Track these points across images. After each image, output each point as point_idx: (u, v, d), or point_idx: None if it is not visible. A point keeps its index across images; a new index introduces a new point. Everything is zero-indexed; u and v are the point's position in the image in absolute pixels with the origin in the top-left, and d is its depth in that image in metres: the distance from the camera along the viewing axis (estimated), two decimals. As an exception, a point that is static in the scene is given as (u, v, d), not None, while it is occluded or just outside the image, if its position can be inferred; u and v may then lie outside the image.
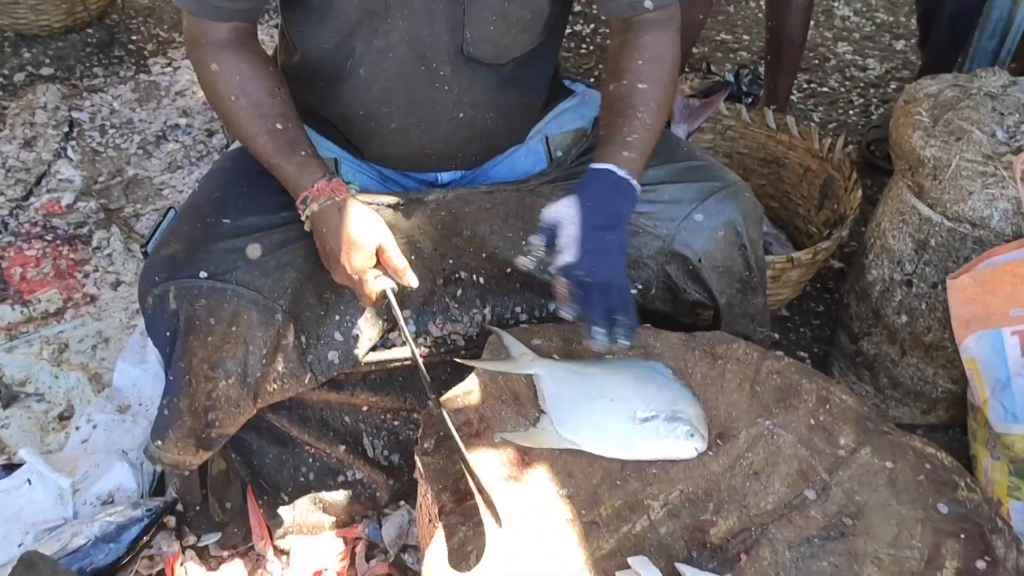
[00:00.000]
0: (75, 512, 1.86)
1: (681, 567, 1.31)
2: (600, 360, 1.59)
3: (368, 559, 1.80)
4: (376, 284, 1.51)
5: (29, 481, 1.90)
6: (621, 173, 1.48)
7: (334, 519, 1.85)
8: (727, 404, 1.54)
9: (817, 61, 2.96)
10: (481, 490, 1.35)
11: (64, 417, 2.07)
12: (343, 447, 1.84)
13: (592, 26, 3.12)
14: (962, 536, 1.37)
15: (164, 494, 1.91)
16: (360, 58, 1.60)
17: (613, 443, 1.46)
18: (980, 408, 1.75)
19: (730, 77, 2.77)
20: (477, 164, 1.79)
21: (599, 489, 1.41)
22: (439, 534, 1.34)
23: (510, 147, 1.79)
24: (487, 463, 1.42)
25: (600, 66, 2.91)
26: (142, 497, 1.89)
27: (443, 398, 1.52)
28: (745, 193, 1.74)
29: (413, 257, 1.67)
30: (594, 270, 1.42)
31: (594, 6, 3.16)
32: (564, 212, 1.44)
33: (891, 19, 3.17)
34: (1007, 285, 1.66)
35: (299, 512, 1.84)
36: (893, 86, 2.88)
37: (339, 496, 1.85)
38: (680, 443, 1.45)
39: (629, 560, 1.31)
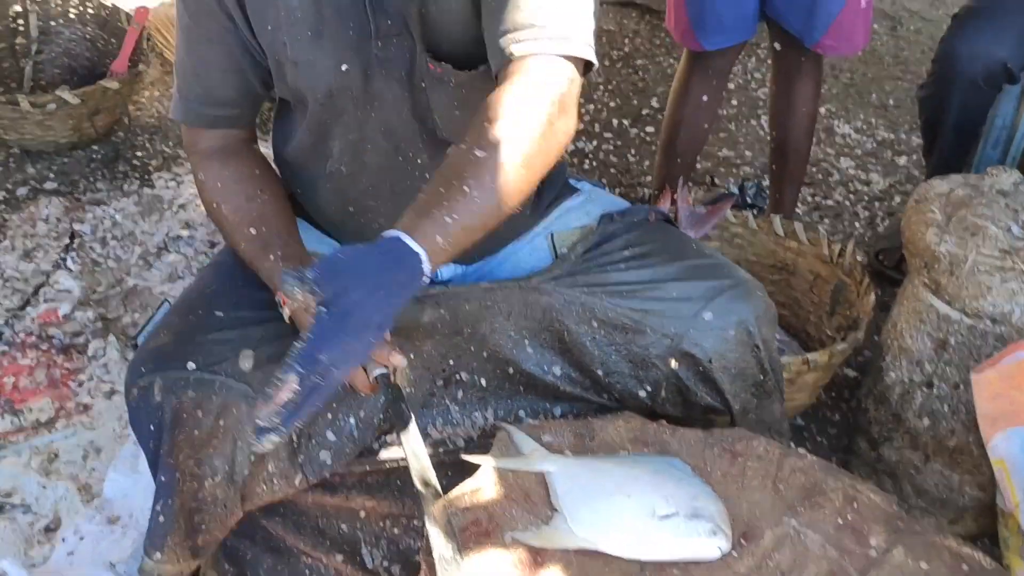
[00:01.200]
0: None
1: (707, 675, 1.21)
2: (614, 456, 1.52)
3: None
4: (369, 372, 1.45)
5: (8, 597, 1.81)
6: (410, 245, 1.24)
7: (333, 637, 1.75)
8: (749, 503, 1.46)
9: (820, 176, 2.97)
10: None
11: (50, 529, 1.98)
12: (340, 556, 1.74)
13: (595, 143, 3.14)
14: (1003, 643, 1.28)
15: (150, 609, 1.80)
16: (339, 155, 1.61)
17: (631, 542, 1.38)
18: (1012, 513, 1.67)
19: (734, 188, 2.78)
20: (473, 258, 1.75)
21: (618, 592, 1.33)
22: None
23: (506, 239, 1.76)
24: (497, 565, 1.34)
25: (603, 179, 2.92)
26: (127, 613, 1.79)
27: (449, 495, 1.45)
28: (757, 292, 1.70)
29: (412, 356, 1.61)
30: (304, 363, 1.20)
31: (596, 125, 3.20)
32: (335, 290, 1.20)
33: (891, 136, 3.20)
34: (1034, 381, 1.60)
35: (296, 628, 1.73)
36: (897, 199, 2.89)
37: (339, 611, 1.75)
38: (703, 541, 1.37)
39: (651, 667, 1.21)
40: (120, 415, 2.21)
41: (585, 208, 1.80)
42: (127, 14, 3.25)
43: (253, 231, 1.54)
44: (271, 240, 1.53)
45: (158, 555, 1.55)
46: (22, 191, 2.92)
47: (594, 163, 3.05)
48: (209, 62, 1.55)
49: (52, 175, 2.99)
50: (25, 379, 2.32)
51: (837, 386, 2.23)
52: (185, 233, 2.76)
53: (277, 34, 1.49)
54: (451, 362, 1.67)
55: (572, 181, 1.86)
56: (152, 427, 1.52)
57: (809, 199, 2.78)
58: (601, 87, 3.42)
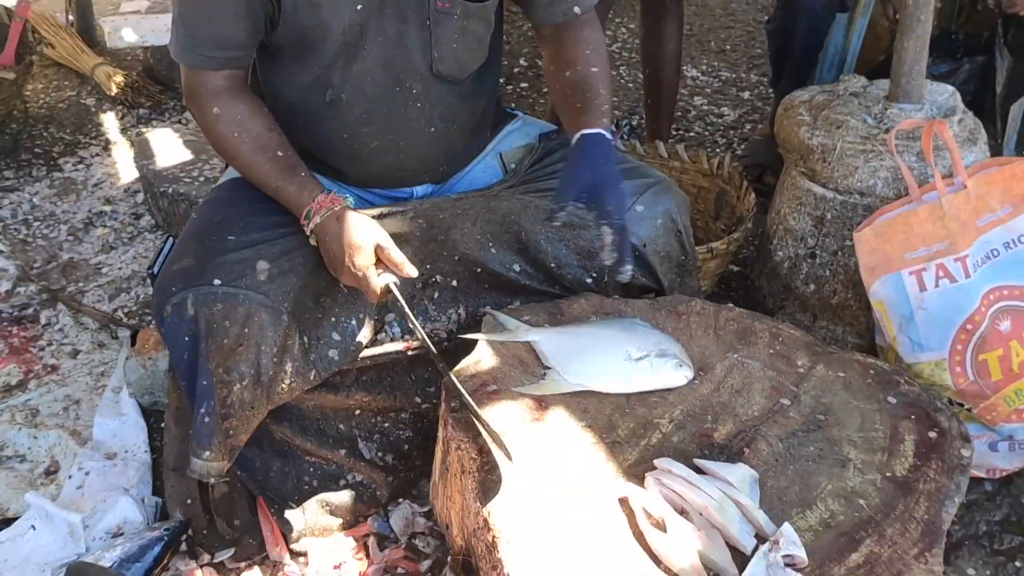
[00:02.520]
0: (87, 547, 1.91)
1: (698, 462, 1.53)
2: (586, 321, 1.82)
3: (381, 549, 1.92)
4: (379, 280, 1.71)
5: (33, 527, 1.95)
6: (607, 135, 1.76)
7: (342, 520, 1.97)
8: (699, 347, 1.79)
9: (680, 114, 3.36)
10: (490, 431, 1.54)
11: (51, 472, 2.11)
12: (342, 451, 1.98)
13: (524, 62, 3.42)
14: (913, 417, 1.65)
15: (169, 525, 1.98)
16: (340, 86, 1.83)
17: (616, 381, 1.68)
18: (891, 345, 2.06)
19: (611, 127, 3.12)
20: (445, 177, 2.02)
21: (612, 417, 1.63)
22: (500, 458, 1.51)
23: (470, 159, 2.04)
24: (510, 413, 1.62)
25: (535, 96, 3.20)
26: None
27: (455, 369, 1.72)
28: (674, 187, 2.04)
29: (410, 279, 1.88)
30: (622, 216, 1.68)
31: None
32: (598, 176, 1.70)
33: (733, 75, 3.63)
34: (900, 234, 2.00)
35: (309, 517, 1.95)
36: (747, 127, 3.30)
37: (344, 498, 1.97)
38: (672, 373, 1.69)
39: (655, 462, 1.52)
40: (90, 371, 2.35)
41: (524, 130, 2.10)
42: (7, 9, 3.31)
43: (280, 153, 1.75)
44: (295, 162, 1.75)
45: (207, 453, 1.74)
46: (-75, 185, 2.97)
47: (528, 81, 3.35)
48: (222, 7, 1.70)
49: (-45, 167, 3.05)
50: (-14, 350, 2.42)
51: (727, 280, 2.60)
52: (108, 208, 2.89)
53: None
54: (428, 266, 1.92)
55: (508, 109, 2.15)
56: (187, 338, 1.72)
57: (674, 132, 3.15)
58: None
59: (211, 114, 1.76)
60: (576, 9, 1.87)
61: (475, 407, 1.58)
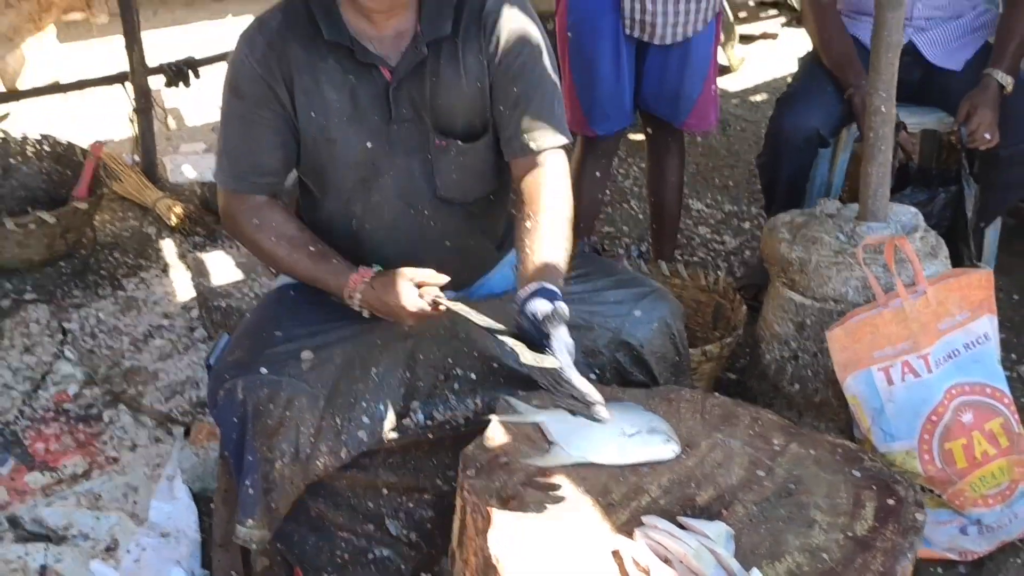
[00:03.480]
0: (142, 613, 2.14)
1: (682, 519, 1.76)
2: None
3: (404, 616, 2.13)
4: (427, 298, 1.94)
5: (94, 595, 2.18)
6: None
7: (369, 591, 2.19)
8: (686, 427, 2.03)
9: (685, 240, 3.67)
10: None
11: (110, 549, 2.35)
12: (371, 527, 2.20)
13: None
14: (874, 487, 1.88)
15: (214, 596, 2.21)
16: (362, 216, 2.13)
17: (611, 454, 1.92)
18: (866, 436, 2.29)
19: (622, 252, 3.43)
20: (465, 285, 2.30)
21: (608, 484, 1.86)
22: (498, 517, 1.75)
23: (489, 269, 2.32)
24: (519, 479, 1.86)
25: None
26: (198, 595, 2.19)
27: (470, 446, 1.96)
28: (669, 295, 2.31)
29: (421, 357, 2.16)
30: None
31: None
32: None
33: (735, 208, 3.96)
34: (868, 334, 2.25)
35: (340, 587, 2.17)
36: (747, 253, 3.60)
37: (371, 572, 2.19)
38: (661, 447, 1.92)
39: (643, 519, 1.75)
40: (147, 462, 2.62)
41: (535, 246, 2.40)
42: (82, 149, 3.72)
43: (312, 248, 2.04)
44: (327, 251, 2.04)
45: (250, 521, 1.98)
46: (5, 303, 3.30)
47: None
48: (260, 139, 2.03)
49: (30, 288, 3.38)
50: (54, 444, 2.69)
51: (723, 386, 2.84)
52: (166, 322, 3.21)
53: (319, 118, 2.02)
54: (450, 360, 2.18)
55: (524, 224, 2.46)
56: (236, 419, 1.98)
57: (678, 257, 3.45)
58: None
59: (251, 225, 2.07)
60: (532, 144, 2.06)
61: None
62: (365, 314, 2.02)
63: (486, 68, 2.05)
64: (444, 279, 1.95)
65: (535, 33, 2.07)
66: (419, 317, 1.96)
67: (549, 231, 1.99)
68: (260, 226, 2.07)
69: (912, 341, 2.24)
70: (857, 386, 2.27)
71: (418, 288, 1.94)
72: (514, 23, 2.04)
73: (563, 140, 2.10)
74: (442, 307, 1.96)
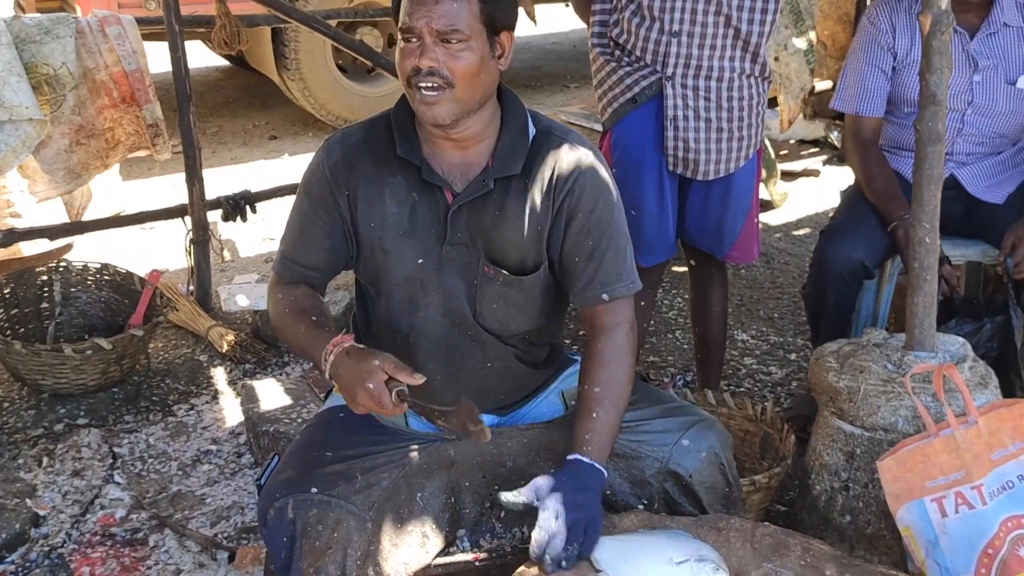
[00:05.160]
0: None
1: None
2: (634, 533, 2.05)
3: None
4: (392, 390, 1.92)
5: None
6: (586, 460, 2.01)
7: None
8: (736, 557, 2.00)
9: (731, 371, 3.67)
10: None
11: (152, 677, 2.34)
12: (413, 658, 2.17)
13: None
14: (930, 622, 1.83)
15: None
16: (408, 330, 2.18)
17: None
18: (920, 570, 2.23)
19: (667, 380, 3.44)
20: (507, 406, 2.31)
21: (657, 614, 1.84)
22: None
23: (532, 395, 2.33)
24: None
25: None
26: None
27: (516, 572, 1.95)
28: (718, 425, 2.31)
29: (467, 484, 2.16)
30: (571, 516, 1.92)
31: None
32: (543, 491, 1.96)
33: (781, 339, 3.96)
34: (919, 464, 2.22)
35: None
36: (794, 384, 3.59)
37: None
38: None
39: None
40: (190, 587, 2.62)
41: (583, 373, 2.42)
42: (140, 278, 3.83)
43: (314, 318, 2.09)
44: (324, 322, 2.09)
45: (298, 643, 1.97)
46: (58, 427, 3.36)
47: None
48: (313, 236, 2.13)
49: (82, 413, 3.44)
50: (99, 568, 2.70)
51: (773, 518, 2.80)
52: (214, 448, 3.24)
53: (378, 229, 2.09)
54: (496, 487, 2.19)
55: (568, 354, 2.48)
56: (285, 538, 1.99)
57: (724, 387, 3.45)
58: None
59: (275, 296, 2.18)
60: (604, 296, 2.13)
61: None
62: (333, 383, 2.07)
63: (550, 213, 2.11)
64: (419, 379, 1.94)
65: (611, 186, 2.14)
66: (372, 400, 1.91)
67: (608, 399, 2.07)
68: (282, 298, 2.17)
69: (965, 471, 2.21)
70: (910, 517, 2.23)
71: (388, 379, 1.93)
72: (590, 176, 2.11)
73: (635, 289, 2.18)
74: (404, 404, 1.94)
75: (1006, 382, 2.76)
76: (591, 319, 2.16)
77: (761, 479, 2.53)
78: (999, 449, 2.26)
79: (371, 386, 1.90)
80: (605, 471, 2.02)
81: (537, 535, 1.90)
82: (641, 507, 2.20)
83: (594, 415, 2.06)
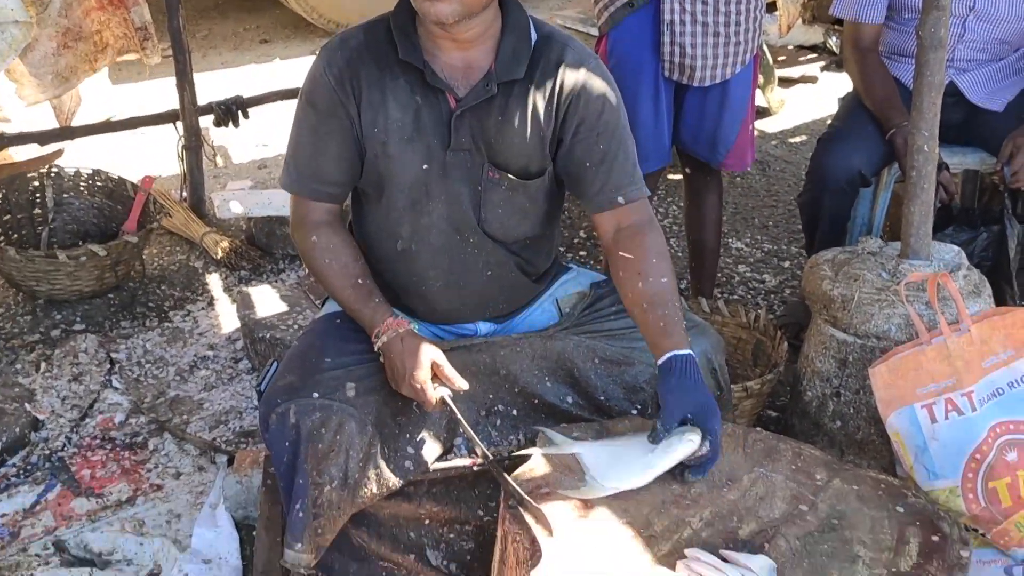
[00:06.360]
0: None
1: (724, 552, 1.76)
2: (622, 435, 2.08)
3: (444, 646, 2.14)
4: (435, 392, 2.01)
5: (138, 621, 2.21)
6: (692, 355, 1.98)
7: (408, 620, 2.20)
8: (728, 462, 2.03)
9: (724, 279, 3.68)
10: (530, 506, 1.82)
11: (154, 574, 2.38)
12: (411, 556, 2.21)
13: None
14: (918, 523, 1.87)
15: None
16: (409, 237, 2.16)
17: (640, 472, 1.92)
18: (908, 475, 2.28)
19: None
20: (504, 315, 2.32)
21: (650, 516, 1.87)
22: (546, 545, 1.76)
23: (528, 303, 2.35)
24: (559, 511, 1.87)
25: (592, 263, 3.59)
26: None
27: (512, 475, 1.98)
28: (711, 330, 2.33)
29: (461, 392, 2.18)
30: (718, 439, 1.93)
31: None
32: (699, 401, 1.93)
33: (775, 247, 3.97)
34: (911, 371, 2.25)
35: (380, 616, 2.18)
36: (787, 291, 3.61)
37: (411, 601, 2.20)
38: (683, 445, 1.89)
39: (686, 551, 1.76)
40: (190, 490, 2.65)
41: (577, 280, 2.41)
42: (132, 184, 3.80)
43: (360, 281, 2.09)
44: (372, 290, 2.10)
45: (299, 545, 2.00)
46: (55, 333, 3.37)
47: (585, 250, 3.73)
48: (327, 149, 2.09)
49: (79, 319, 3.45)
50: (99, 471, 2.74)
51: (764, 423, 2.84)
52: (211, 353, 3.26)
53: (381, 134, 2.06)
54: (491, 396, 2.20)
55: (563, 263, 2.48)
56: (288, 443, 2.01)
57: (718, 296, 3.46)
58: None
59: (310, 242, 2.13)
60: (620, 199, 2.12)
61: (515, 486, 1.86)
62: (380, 358, 2.08)
63: (555, 119, 2.10)
64: (464, 386, 2.03)
65: (615, 91, 2.13)
66: (415, 394, 2.01)
67: (667, 289, 2.05)
68: (317, 244, 2.13)
69: (956, 378, 2.24)
70: (900, 423, 2.26)
71: (433, 375, 2.01)
72: (596, 82, 2.10)
73: (648, 192, 2.18)
74: (446, 407, 2.03)
75: (999, 291, 2.78)
76: (614, 224, 2.14)
77: (753, 385, 2.56)
78: (990, 357, 2.28)
79: (417, 385, 1.99)
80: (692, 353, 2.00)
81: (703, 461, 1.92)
82: (635, 412, 2.23)
83: (673, 305, 2.03)
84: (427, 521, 2.23)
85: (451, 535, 2.26)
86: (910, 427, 2.26)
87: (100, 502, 2.62)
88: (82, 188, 3.84)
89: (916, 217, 2.42)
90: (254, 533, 2.40)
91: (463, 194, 2.12)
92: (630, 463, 1.95)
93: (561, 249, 3.57)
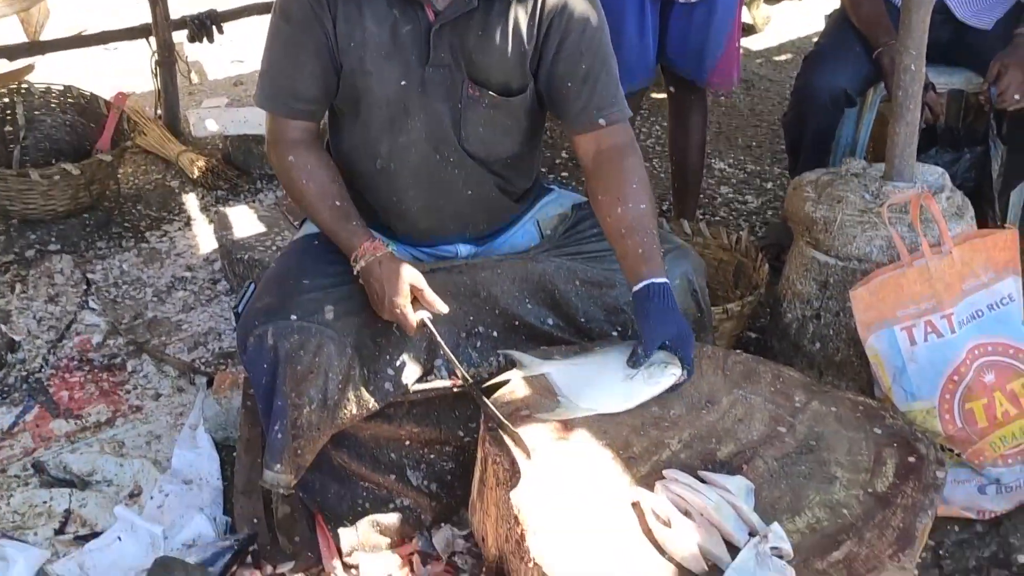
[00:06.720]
0: (166, 556, 2.17)
1: (702, 474, 1.77)
2: (593, 350, 2.07)
3: (424, 565, 2.16)
4: (415, 315, 2.00)
5: (119, 538, 2.21)
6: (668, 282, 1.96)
7: (390, 539, 2.21)
8: (708, 384, 2.03)
9: (707, 200, 3.66)
10: (509, 431, 1.83)
11: (134, 495, 2.38)
12: (392, 477, 2.22)
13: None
14: (895, 444, 1.88)
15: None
16: (388, 155, 2.12)
17: (618, 400, 1.92)
18: (886, 395, 2.29)
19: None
20: (484, 235, 2.30)
21: (629, 438, 1.88)
22: (524, 466, 1.77)
23: (509, 224, 2.32)
24: (538, 433, 1.87)
25: (574, 184, 3.56)
26: (221, 540, 2.22)
27: (492, 397, 1.98)
28: (692, 252, 2.31)
29: (441, 316, 2.16)
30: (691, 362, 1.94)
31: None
32: (677, 327, 1.92)
33: (758, 168, 3.94)
34: (891, 293, 2.24)
35: (361, 535, 2.19)
36: (769, 212, 3.59)
37: (392, 519, 2.21)
38: (666, 378, 1.91)
39: (664, 472, 1.76)
40: (170, 411, 2.64)
41: (559, 201, 2.39)
42: (105, 101, 3.72)
43: (338, 203, 2.05)
44: (349, 212, 2.06)
45: (278, 466, 2.01)
46: (30, 253, 3.32)
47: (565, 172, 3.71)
48: (303, 65, 2.02)
49: (54, 239, 3.40)
50: (78, 392, 2.72)
51: (744, 344, 2.84)
52: (188, 274, 3.23)
53: (358, 49, 2.00)
54: (471, 318, 2.19)
55: (544, 183, 2.45)
56: (266, 365, 2.00)
57: (701, 217, 3.44)
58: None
59: (287, 161, 2.08)
60: (601, 120, 2.08)
61: (494, 410, 1.87)
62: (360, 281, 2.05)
63: (537, 35, 2.05)
64: (444, 309, 2.01)
65: (598, 11, 2.08)
66: (395, 319, 2.00)
67: (646, 215, 2.02)
68: (293, 164, 2.08)
69: (936, 300, 2.23)
70: (879, 345, 2.27)
71: (414, 299, 1.99)
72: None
73: (629, 114, 2.14)
74: (425, 330, 2.02)
75: (980, 213, 2.77)
76: (593, 146, 2.10)
77: (734, 308, 2.56)
78: (971, 279, 2.28)
79: (397, 310, 1.97)
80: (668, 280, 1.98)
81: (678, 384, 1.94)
82: (615, 334, 2.22)
83: (651, 232, 2.00)
84: (407, 442, 2.24)
85: (431, 455, 2.27)
86: (889, 349, 2.26)
87: (79, 423, 2.61)
88: (53, 105, 3.75)
89: (901, 138, 2.39)
90: (234, 454, 2.40)
91: (442, 111, 2.08)
92: (608, 386, 1.95)
93: (543, 170, 3.54)
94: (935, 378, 2.23)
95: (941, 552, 2.23)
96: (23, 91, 3.72)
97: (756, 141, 4.19)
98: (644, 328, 1.93)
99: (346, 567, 2.16)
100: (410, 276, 1.99)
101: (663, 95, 3.44)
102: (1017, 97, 2.78)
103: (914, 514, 1.73)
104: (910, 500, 1.75)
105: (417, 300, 2.01)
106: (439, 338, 2.01)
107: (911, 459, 1.84)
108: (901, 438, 1.90)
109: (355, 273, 2.04)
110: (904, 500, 1.75)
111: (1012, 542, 2.24)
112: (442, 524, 2.26)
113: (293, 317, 2.01)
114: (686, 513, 1.68)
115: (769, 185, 3.82)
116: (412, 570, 2.16)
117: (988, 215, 2.91)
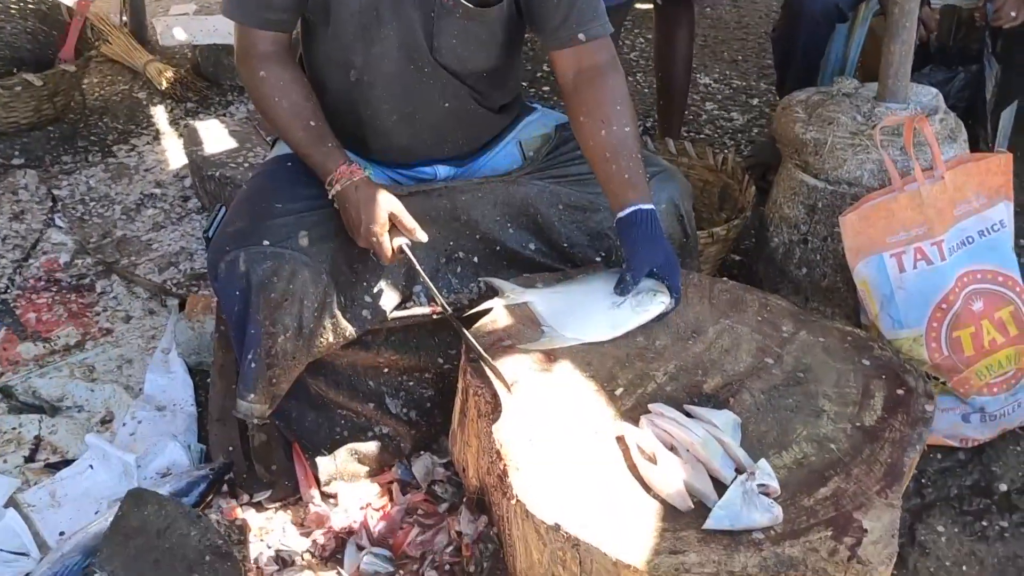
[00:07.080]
0: (139, 485, 2.12)
1: (688, 407, 1.73)
2: (575, 279, 2.02)
3: (403, 493, 2.13)
4: (393, 242, 1.92)
5: (91, 466, 2.17)
6: (654, 208, 1.91)
7: (369, 468, 2.17)
8: (694, 313, 1.99)
9: (691, 117, 3.58)
10: (489, 364, 1.78)
11: (106, 421, 2.33)
12: (371, 405, 2.18)
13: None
14: (883, 376, 1.85)
15: (213, 469, 2.19)
16: (362, 67, 2.02)
17: (604, 329, 1.87)
18: (873, 323, 2.25)
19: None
20: (464, 154, 2.21)
21: (613, 370, 1.83)
22: (507, 400, 1.73)
23: (489, 143, 2.23)
24: (521, 364, 1.82)
25: (556, 99, 3.44)
26: (196, 468, 2.18)
27: (473, 327, 1.93)
28: (678, 175, 2.24)
29: (421, 244, 2.09)
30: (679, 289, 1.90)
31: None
32: (665, 254, 1.88)
33: (744, 84, 3.85)
34: (882, 219, 2.19)
35: (339, 463, 2.15)
36: (755, 130, 3.52)
37: (371, 448, 2.18)
38: (652, 305, 1.87)
39: (649, 406, 1.72)
40: (141, 334, 2.58)
41: (542, 121, 2.30)
42: (67, 7, 3.56)
43: (313, 123, 1.95)
44: (324, 133, 1.96)
45: (252, 396, 1.96)
46: (-8, 167, 3.22)
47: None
48: None
49: (17, 153, 3.29)
50: (46, 314, 2.64)
51: (729, 267, 2.79)
52: (158, 191, 3.13)
53: None
54: (451, 243, 2.12)
55: (527, 101, 2.36)
56: (238, 292, 1.93)
57: (686, 135, 3.36)
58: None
59: (257, 76, 1.97)
60: (581, 36, 1.99)
61: (475, 343, 1.82)
62: (335, 206, 1.97)
63: None
64: (423, 238, 1.93)
65: None
66: (371, 246, 1.92)
67: (630, 139, 1.95)
68: (265, 79, 1.97)
69: (927, 227, 2.18)
70: (868, 272, 2.22)
71: (391, 226, 1.91)
72: None
73: (611, 30, 2.04)
74: (402, 256, 1.94)
75: (972, 135, 2.70)
76: (574, 64, 2.01)
77: (719, 231, 2.50)
78: (962, 204, 2.23)
79: (374, 232, 1.89)
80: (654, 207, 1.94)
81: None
82: (599, 259, 2.16)
83: (636, 155, 1.94)
84: (386, 369, 2.19)
85: (411, 383, 2.22)
86: (877, 275, 2.21)
87: (48, 347, 2.54)
88: (12, 11, 3.60)
89: (896, 57, 2.31)
90: (208, 380, 2.35)
91: (415, 20, 1.98)
92: (593, 314, 1.90)
93: (523, 84, 3.44)
94: (923, 306, 2.19)
95: (923, 480, 2.22)
96: (-20, -4, 3.57)
97: (743, 55, 4.09)
98: (631, 255, 1.88)
99: (324, 496, 2.13)
100: (387, 203, 1.91)
101: (648, 5, 3.33)
102: (1013, 14, 2.70)
103: (902, 448, 1.70)
104: (898, 434, 1.72)
105: (395, 227, 1.94)
106: (418, 266, 1.95)
107: (900, 392, 1.81)
108: (890, 370, 1.86)
109: (330, 198, 1.96)
110: (892, 434, 1.72)
111: (994, 470, 2.24)
112: (421, 452, 2.22)
113: (266, 242, 1.93)
114: (672, 448, 1.65)
115: (755, 102, 3.73)
116: (391, 499, 2.13)
117: (980, 137, 2.84)
